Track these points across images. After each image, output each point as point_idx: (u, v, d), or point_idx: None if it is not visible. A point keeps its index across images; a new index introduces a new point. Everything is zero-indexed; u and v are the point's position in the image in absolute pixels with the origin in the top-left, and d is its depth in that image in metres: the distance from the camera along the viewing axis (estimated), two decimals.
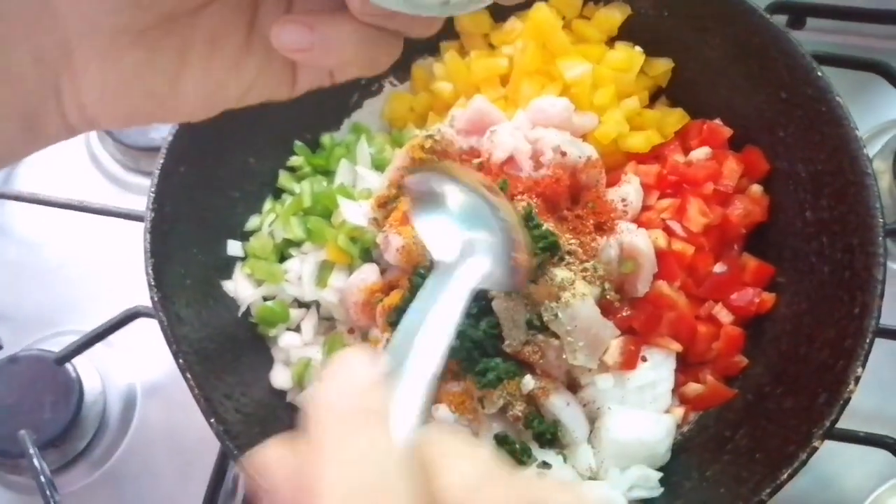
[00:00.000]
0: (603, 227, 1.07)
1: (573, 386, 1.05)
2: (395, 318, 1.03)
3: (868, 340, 0.90)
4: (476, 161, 1.12)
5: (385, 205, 1.13)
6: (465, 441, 0.48)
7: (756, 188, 1.14)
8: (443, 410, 1.01)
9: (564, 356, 0.99)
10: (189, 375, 0.93)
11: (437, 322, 0.57)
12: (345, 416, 0.44)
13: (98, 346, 1.31)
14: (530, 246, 0.85)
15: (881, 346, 0.93)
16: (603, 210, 1.08)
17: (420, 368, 0.52)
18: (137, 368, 1.44)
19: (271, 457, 0.47)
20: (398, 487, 0.42)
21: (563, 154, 1.07)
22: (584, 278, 1.00)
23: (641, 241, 1.04)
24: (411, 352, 0.53)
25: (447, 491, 0.43)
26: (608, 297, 1.02)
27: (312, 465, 0.43)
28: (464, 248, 0.72)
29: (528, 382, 1.00)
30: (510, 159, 1.09)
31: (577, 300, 0.97)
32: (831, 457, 1.20)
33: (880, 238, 0.95)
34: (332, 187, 1.20)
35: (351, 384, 0.46)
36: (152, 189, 1.03)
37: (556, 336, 0.99)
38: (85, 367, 1.42)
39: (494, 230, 0.78)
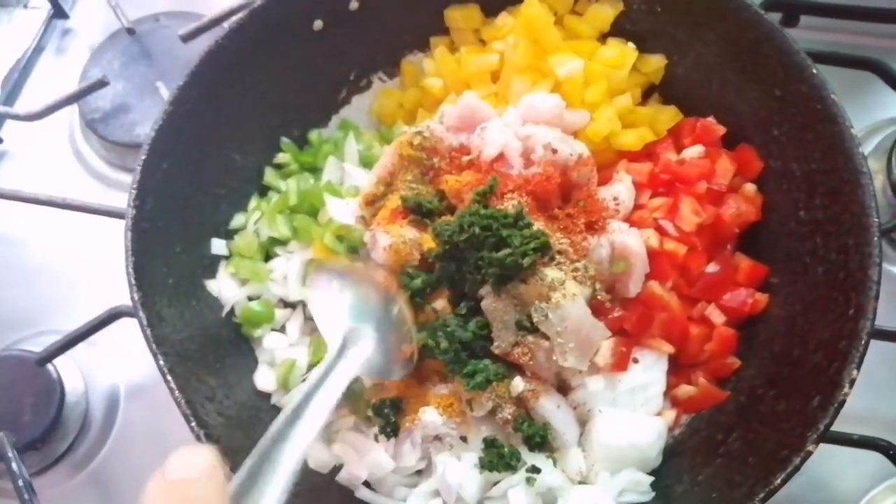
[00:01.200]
0: (594, 227, 1.06)
1: (563, 388, 1.03)
2: None
3: (863, 343, 0.89)
4: (466, 158, 1.10)
5: (373, 203, 1.11)
6: None
7: (749, 187, 1.12)
8: (431, 414, 0.99)
9: (555, 358, 0.97)
10: (170, 377, 0.91)
11: (311, 413, 0.65)
12: None
13: (81, 345, 1.29)
14: (415, 340, 0.97)
15: (875, 348, 0.91)
16: (594, 209, 1.06)
17: (281, 467, 0.57)
18: (121, 369, 1.42)
19: None
20: None
21: (555, 151, 1.05)
22: (574, 278, 0.99)
23: (633, 240, 1.02)
24: (281, 445, 0.59)
25: None
26: (599, 297, 1.01)
27: None
28: (348, 337, 0.82)
29: (518, 385, 0.98)
30: (500, 156, 1.07)
31: (568, 301, 0.95)
32: (824, 459, 1.18)
33: (876, 238, 0.93)
34: (319, 185, 1.18)
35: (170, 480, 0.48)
36: (134, 185, 1.01)
37: (547, 337, 0.97)
38: (67, 368, 1.40)
39: (383, 323, 0.90)
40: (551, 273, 0.97)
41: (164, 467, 0.49)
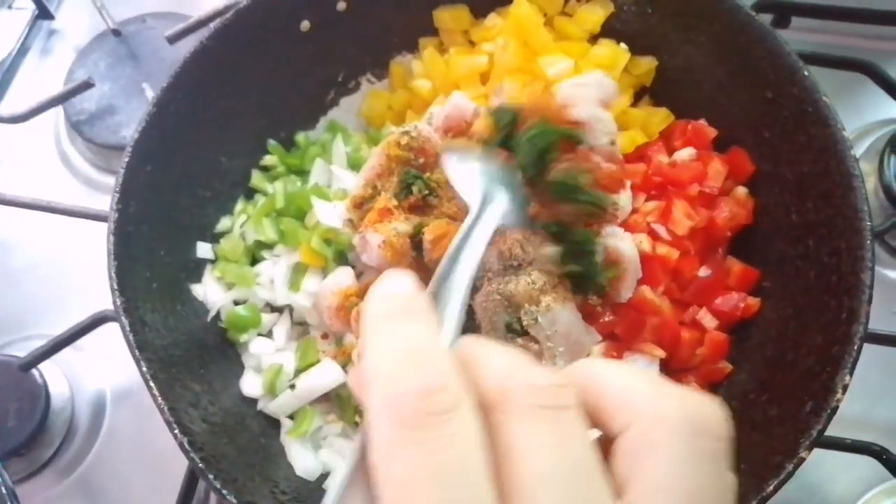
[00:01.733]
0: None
1: None
2: None
3: (856, 347, 0.88)
4: None
5: (361, 205, 1.09)
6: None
7: (741, 190, 1.12)
8: None
9: (544, 362, 0.95)
10: (153, 384, 0.89)
11: (469, 254, 0.67)
12: (390, 314, 0.47)
13: (66, 350, 1.27)
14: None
15: (868, 351, 0.90)
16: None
17: (456, 290, 0.62)
18: (107, 373, 1.40)
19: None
20: (445, 367, 0.44)
21: (613, 144, 1.05)
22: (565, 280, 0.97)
23: (626, 245, 1.01)
24: (451, 277, 0.63)
25: (488, 379, 0.45)
26: (590, 301, 0.99)
27: (362, 358, 0.46)
28: (486, 193, 0.83)
29: None
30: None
31: (558, 304, 0.94)
32: (817, 464, 1.18)
33: (868, 241, 0.92)
34: (307, 188, 1.16)
35: (396, 290, 0.49)
36: (117, 189, 0.99)
37: (536, 341, 0.96)
38: (52, 373, 1.38)
39: (509, 184, 0.88)
40: (543, 276, 0.96)
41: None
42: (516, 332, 0.97)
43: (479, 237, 0.72)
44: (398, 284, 0.50)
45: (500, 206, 0.82)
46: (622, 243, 1.01)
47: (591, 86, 1.10)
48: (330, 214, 1.09)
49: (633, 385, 0.47)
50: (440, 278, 0.64)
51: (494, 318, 0.96)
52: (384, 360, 0.44)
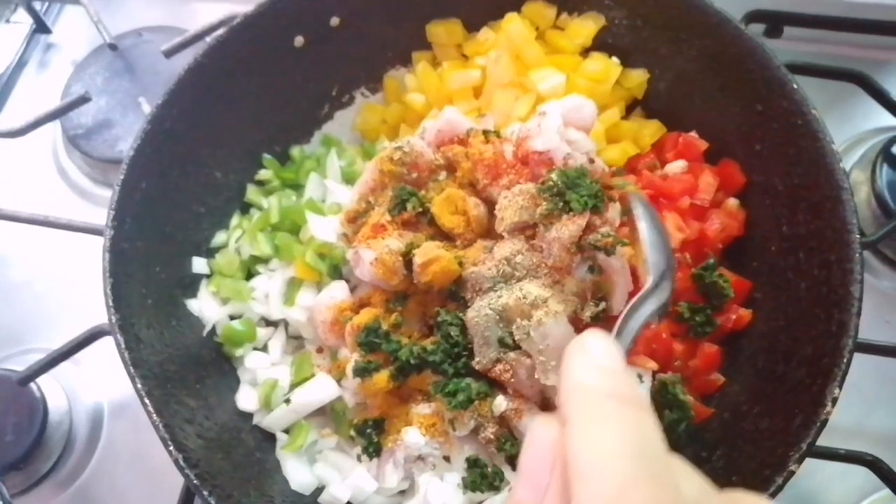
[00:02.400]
0: (580, 244, 1.04)
1: (547, 406, 1.02)
2: (364, 338, 1.00)
3: (845, 360, 0.88)
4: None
5: (355, 220, 1.10)
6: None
7: (732, 202, 1.12)
8: (413, 434, 0.98)
9: (537, 376, 0.96)
10: (147, 401, 0.90)
11: (638, 314, 0.81)
12: (601, 398, 0.46)
13: (64, 364, 1.27)
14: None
15: (862, 361, 0.91)
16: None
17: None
18: (104, 387, 1.40)
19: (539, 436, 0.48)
20: (663, 474, 0.43)
21: (592, 161, 1.05)
22: (556, 296, 0.98)
23: (615, 260, 1.01)
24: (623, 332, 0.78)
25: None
26: (581, 316, 1.00)
27: (574, 445, 0.44)
28: (664, 272, 0.88)
29: (501, 404, 0.97)
30: (539, 154, 1.05)
31: (550, 319, 0.94)
32: (811, 473, 1.19)
33: (857, 255, 0.93)
34: (301, 202, 1.17)
35: (600, 366, 0.48)
36: (112, 206, 1.00)
37: (529, 355, 0.96)
38: (50, 386, 1.38)
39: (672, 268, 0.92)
40: (535, 290, 0.96)
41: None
42: (508, 346, 0.97)
43: (649, 306, 0.83)
44: (609, 354, 0.48)
45: (667, 292, 0.87)
46: (611, 259, 1.01)
47: (569, 109, 1.10)
48: (324, 229, 1.10)
49: None
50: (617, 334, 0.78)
51: (487, 333, 0.97)
52: (612, 455, 0.42)
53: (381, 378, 0.99)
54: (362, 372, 1.00)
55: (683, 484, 0.45)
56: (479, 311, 0.97)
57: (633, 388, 0.47)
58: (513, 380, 0.98)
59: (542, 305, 0.95)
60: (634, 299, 0.83)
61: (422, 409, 1.00)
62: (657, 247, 0.91)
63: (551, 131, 1.03)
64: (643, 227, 0.93)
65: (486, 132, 1.11)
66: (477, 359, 0.98)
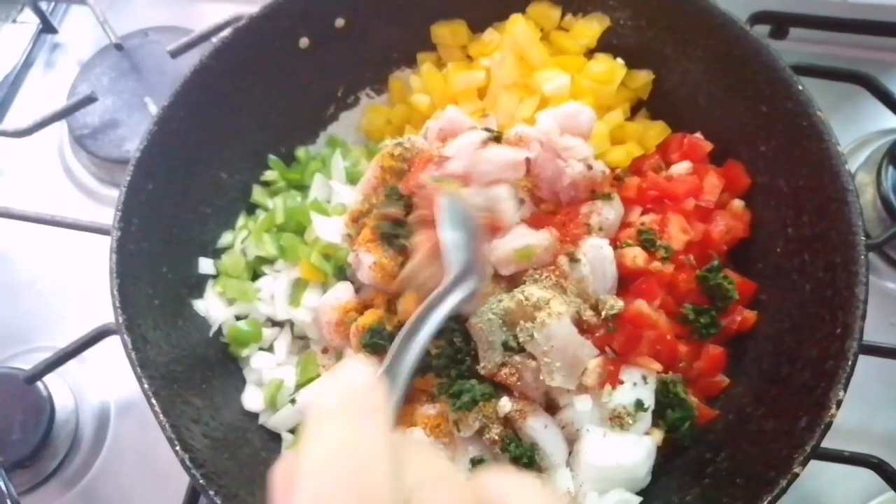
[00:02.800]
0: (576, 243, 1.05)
1: (552, 408, 1.02)
2: (369, 339, 1.00)
3: (850, 363, 0.88)
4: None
5: (358, 219, 1.10)
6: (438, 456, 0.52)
7: (738, 203, 1.12)
8: (418, 433, 0.98)
9: (542, 377, 0.96)
10: (154, 401, 0.90)
11: (433, 316, 0.81)
12: (333, 412, 0.47)
13: (71, 363, 1.28)
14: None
15: (866, 363, 0.91)
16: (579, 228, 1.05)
17: (413, 350, 0.75)
18: (111, 386, 1.41)
19: (282, 466, 0.46)
20: (379, 470, 0.44)
21: (590, 168, 1.05)
22: (558, 296, 0.98)
23: (606, 251, 1.03)
24: (413, 336, 0.77)
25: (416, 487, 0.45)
26: (584, 316, 1.00)
27: (297, 459, 0.44)
28: (463, 271, 0.93)
29: (505, 405, 0.98)
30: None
31: (553, 320, 0.94)
32: (815, 475, 1.18)
33: (862, 257, 0.93)
34: (306, 203, 1.17)
35: (345, 385, 0.48)
36: (118, 207, 1.00)
37: (533, 357, 0.97)
38: (57, 385, 1.39)
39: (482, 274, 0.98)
40: (537, 292, 0.97)
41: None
42: (513, 349, 0.98)
43: (443, 307, 0.85)
44: (349, 377, 0.49)
45: (469, 290, 0.92)
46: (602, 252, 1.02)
47: (565, 117, 1.11)
48: (329, 230, 1.11)
49: None
50: (405, 336, 0.76)
51: (491, 337, 0.97)
52: (313, 472, 0.43)
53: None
54: (374, 347, 1.00)
55: (407, 472, 0.46)
56: (483, 317, 0.97)
57: (364, 400, 0.48)
58: (518, 382, 0.98)
59: (544, 307, 0.95)
60: (431, 296, 0.86)
61: (426, 410, 1.00)
62: (458, 246, 0.95)
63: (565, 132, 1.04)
64: (440, 228, 0.97)
65: (487, 130, 1.11)
66: (482, 363, 0.99)
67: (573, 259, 1.00)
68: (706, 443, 1.03)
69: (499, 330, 0.97)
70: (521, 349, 0.97)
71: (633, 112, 1.24)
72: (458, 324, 1.00)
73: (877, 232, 1.31)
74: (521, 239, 1.01)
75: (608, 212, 1.03)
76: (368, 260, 1.01)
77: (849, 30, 1.45)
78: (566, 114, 1.08)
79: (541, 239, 1.01)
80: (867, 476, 1.17)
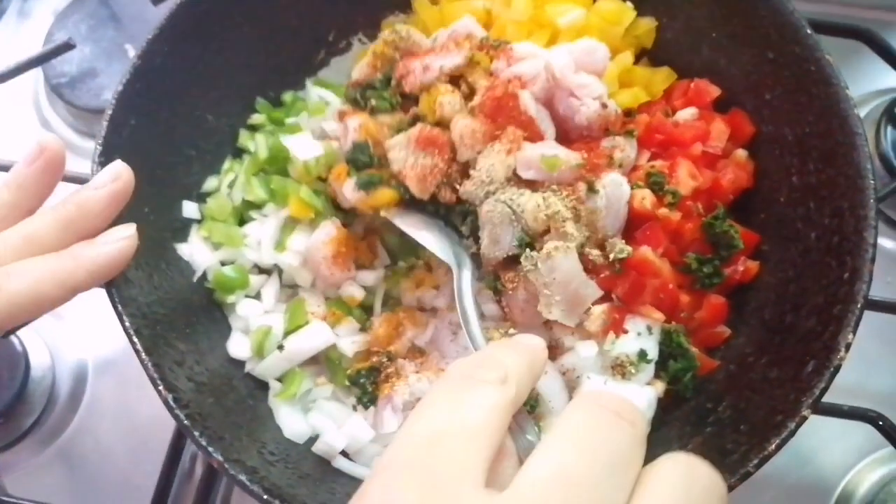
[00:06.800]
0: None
1: (553, 350, 0.99)
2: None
3: (859, 305, 0.86)
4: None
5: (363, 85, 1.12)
6: None
7: (741, 153, 1.09)
8: (413, 380, 0.95)
9: (539, 308, 0.93)
10: (136, 339, 0.86)
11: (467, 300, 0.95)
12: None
13: (47, 318, 1.22)
14: None
15: (864, 319, 0.88)
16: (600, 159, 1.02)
17: (472, 321, 0.94)
18: (89, 343, 1.37)
19: None
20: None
21: (605, 106, 1.02)
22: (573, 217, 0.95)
23: (625, 189, 1.00)
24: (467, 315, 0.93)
25: None
26: (591, 256, 0.96)
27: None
28: (456, 256, 1.01)
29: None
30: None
31: (560, 254, 0.91)
32: (811, 433, 1.16)
33: (872, 200, 0.90)
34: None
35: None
36: (99, 142, 0.95)
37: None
38: (32, 341, 1.34)
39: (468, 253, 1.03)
40: (558, 204, 0.94)
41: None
42: (515, 255, 0.97)
43: (466, 288, 0.96)
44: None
45: (470, 269, 0.99)
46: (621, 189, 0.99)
47: (581, 52, 1.07)
48: (304, 146, 1.07)
49: None
50: (465, 320, 0.93)
51: (498, 230, 0.95)
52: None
53: (386, 192, 0.99)
54: (367, 185, 1.00)
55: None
56: (494, 205, 0.95)
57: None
58: (511, 293, 0.97)
59: (560, 223, 0.92)
60: (458, 290, 0.96)
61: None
62: (440, 247, 1.01)
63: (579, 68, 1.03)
64: (419, 238, 1.01)
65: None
66: (483, 251, 0.98)
67: (592, 189, 0.96)
68: (707, 393, 1.01)
69: (508, 225, 0.94)
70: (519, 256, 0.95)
71: (636, 61, 1.20)
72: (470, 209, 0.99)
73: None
74: (553, 150, 0.98)
75: (630, 149, 1.00)
76: (354, 123, 1.00)
77: None
78: (582, 50, 1.05)
79: (571, 156, 0.98)
80: (861, 434, 1.17)
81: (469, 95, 1.04)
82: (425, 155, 0.99)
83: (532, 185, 0.97)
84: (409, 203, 1.02)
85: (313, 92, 1.22)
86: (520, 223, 0.94)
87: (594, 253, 0.96)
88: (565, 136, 1.04)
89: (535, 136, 0.99)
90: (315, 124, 1.15)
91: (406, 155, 0.99)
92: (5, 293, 0.76)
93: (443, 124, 1.02)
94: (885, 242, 1.34)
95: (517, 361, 0.64)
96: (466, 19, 1.11)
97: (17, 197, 0.84)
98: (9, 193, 0.85)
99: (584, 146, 1.01)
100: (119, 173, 0.87)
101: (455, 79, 1.07)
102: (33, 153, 0.87)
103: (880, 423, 1.12)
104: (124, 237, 0.86)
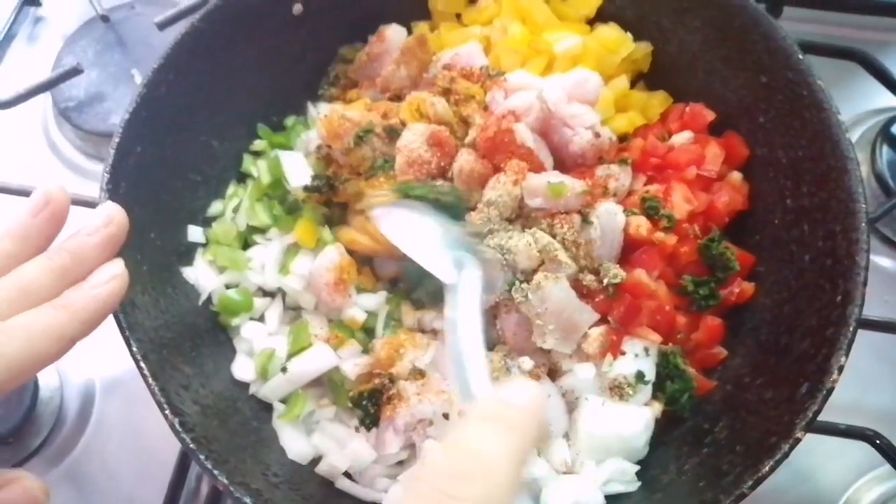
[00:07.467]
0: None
1: (553, 373, 1.01)
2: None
3: (851, 329, 0.87)
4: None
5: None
6: None
7: (736, 175, 1.11)
8: (415, 402, 0.97)
9: (533, 339, 0.95)
10: (143, 364, 0.88)
11: (470, 324, 0.81)
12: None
13: None
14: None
15: (860, 338, 0.90)
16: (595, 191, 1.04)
17: (474, 352, 0.80)
18: (96, 364, 1.38)
19: None
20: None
21: (598, 136, 1.04)
22: (564, 248, 0.97)
23: (619, 219, 1.02)
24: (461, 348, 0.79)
25: None
26: (585, 282, 0.98)
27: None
28: (456, 261, 0.91)
29: (526, 363, 0.97)
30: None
31: (549, 282, 0.93)
32: (809, 450, 1.18)
33: (863, 223, 0.92)
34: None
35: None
36: (106, 169, 0.97)
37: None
38: None
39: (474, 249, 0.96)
40: (545, 238, 0.95)
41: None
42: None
43: (471, 307, 0.84)
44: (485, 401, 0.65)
45: (476, 271, 0.90)
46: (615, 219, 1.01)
47: (574, 84, 1.09)
48: (296, 170, 1.10)
49: None
50: (456, 354, 0.80)
51: (491, 275, 0.96)
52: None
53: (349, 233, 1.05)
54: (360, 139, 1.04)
55: None
56: (485, 254, 0.96)
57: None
58: (506, 315, 0.98)
59: (551, 255, 0.94)
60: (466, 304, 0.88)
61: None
62: (434, 255, 0.96)
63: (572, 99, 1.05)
64: (408, 251, 0.97)
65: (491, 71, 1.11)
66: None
67: (586, 220, 0.98)
68: (704, 413, 1.02)
69: (499, 270, 0.96)
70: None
71: (632, 85, 1.22)
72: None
73: (871, 209, 1.30)
74: (558, 178, 1.01)
75: (624, 178, 1.02)
76: (322, 110, 1.06)
77: (843, 9, 1.46)
78: (574, 82, 1.07)
79: (576, 183, 1.00)
80: (859, 452, 1.17)
81: (464, 125, 1.06)
82: (427, 149, 1.02)
83: (524, 221, 0.99)
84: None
85: (313, 111, 1.24)
86: (511, 267, 0.96)
87: (588, 278, 0.98)
88: (562, 165, 1.06)
89: (535, 166, 1.02)
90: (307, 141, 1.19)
91: (415, 139, 1.03)
92: (4, 358, 0.72)
93: (442, 124, 1.06)
94: (882, 262, 1.36)
95: (509, 446, 0.58)
96: (472, 45, 1.14)
97: (19, 248, 0.81)
98: (11, 244, 0.81)
99: (579, 175, 1.03)
100: (111, 217, 0.84)
101: (446, 91, 1.11)
102: (38, 203, 0.82)
103: (878, 441, 1.12)
104: (114, 276, 0.82)
